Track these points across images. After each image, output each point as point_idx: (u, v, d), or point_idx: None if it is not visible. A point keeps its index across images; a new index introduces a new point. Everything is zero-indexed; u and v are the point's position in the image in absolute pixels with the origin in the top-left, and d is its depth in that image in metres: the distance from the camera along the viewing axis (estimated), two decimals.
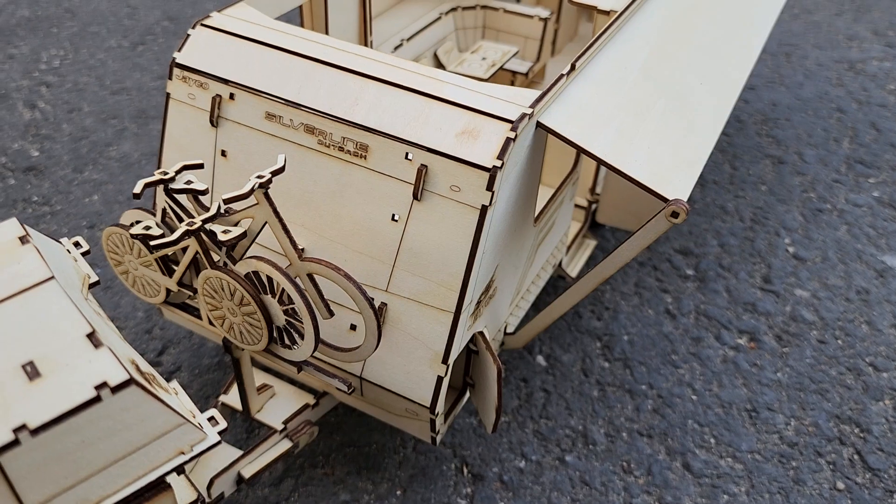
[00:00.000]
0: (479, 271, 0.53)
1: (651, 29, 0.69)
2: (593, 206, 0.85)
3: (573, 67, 0.57)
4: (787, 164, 1.05)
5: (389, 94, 0.54)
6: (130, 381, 0.36)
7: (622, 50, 0.64)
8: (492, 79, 0.96)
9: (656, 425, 0.71)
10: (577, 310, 0.82)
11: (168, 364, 0.74)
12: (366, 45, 0.81)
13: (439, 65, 0.95)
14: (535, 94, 0.53)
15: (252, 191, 0.48)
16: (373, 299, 0.52)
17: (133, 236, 0.51)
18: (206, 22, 0.60)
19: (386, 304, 0.55)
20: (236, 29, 0.59)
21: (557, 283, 0.85)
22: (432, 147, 0.51)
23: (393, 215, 0.54)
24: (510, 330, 0.68)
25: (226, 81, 0.57)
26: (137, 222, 0.55)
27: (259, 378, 0.62)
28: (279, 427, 0.60)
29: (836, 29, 1.39)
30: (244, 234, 0.50)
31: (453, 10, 0.97)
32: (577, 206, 0.82)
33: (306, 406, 0.61)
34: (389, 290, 0.55)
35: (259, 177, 0.48)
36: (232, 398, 0.62)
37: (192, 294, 0.55)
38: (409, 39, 0.90)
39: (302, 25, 0.79)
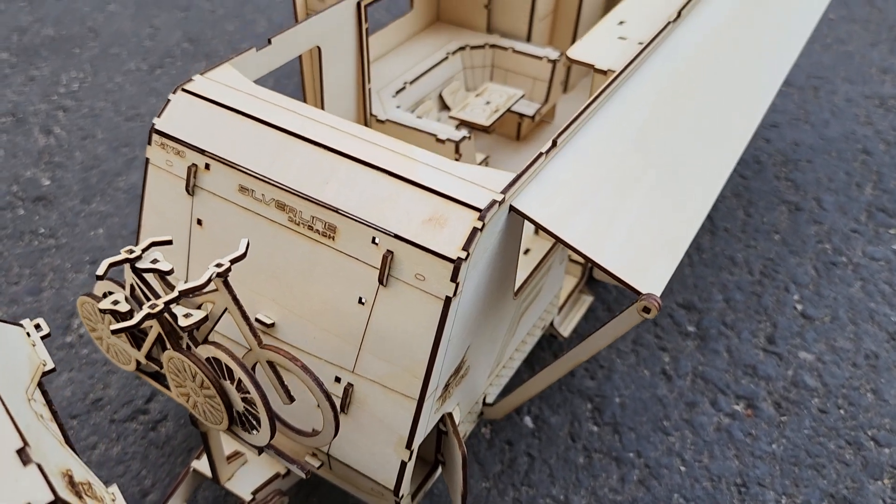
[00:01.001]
0: (444, 358, 0.52)
1: (651, 87, 0.67)
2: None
3: (554, 144, 0.55)
4: (804, 212, 1.02)
5: (360, 174, 0.53)
6: (55, 503, 0.35)
7: (614, 116, 0.62)
8: (496, 123, 0.95)
9: (640, 498, 0.69)
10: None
11: (154, 412, 0.75)
12: (363, 91, 0.80)
13: (444, 106, 0.94)
14: (509, 177, 0.52)
15: (209, 280, 0.47)
16: (329, 394, 0.51)
17: (101, 311, 0.51)
18: (187, 87, 0.60)
19: (353, 385, 0.54)
20: (215, 95, 0.59)
21: (552, 340, 0.83)
22: (398, 233, 0.50)
23: (360, 298, 0.53)
24: (490, 400, 0.66)
25: (201, 151, 0.57)
26: (109, 293, 0.55)
27: (232, 445, 0.62)
28: (248, 498, 0.59)
29: (869, 61, 1.35)
30: (206, 319, 0.49)
31: (461, 48, 0.96)
32: (573, 261, 0.81)
33: (277, 475, 0.61)
34: (356, 372, 0.54)
35: (217, 265, 0.48)
36: (203, 464, 0.62)
37: (160, 368, 0.55)
38: (412, 82, 0.89)
39: (301, 75, 0.78)
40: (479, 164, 0.84)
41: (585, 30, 1.03)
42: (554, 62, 0.93)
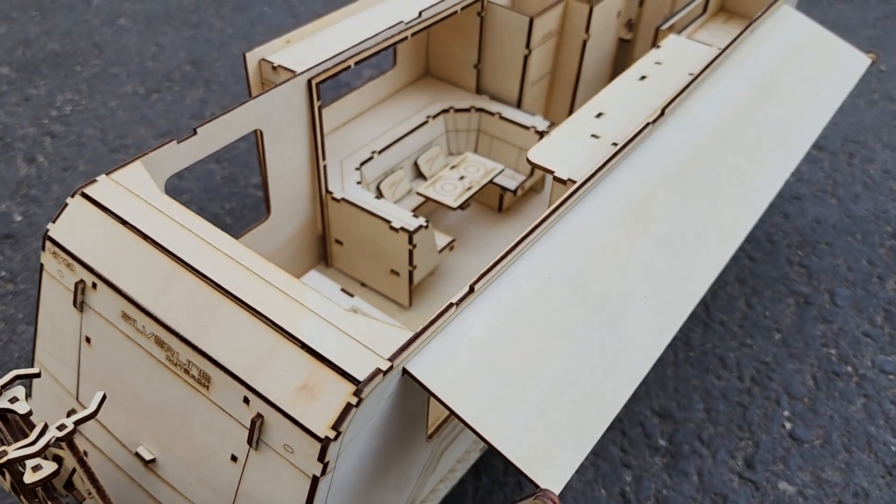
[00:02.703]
0: None
1: (621, 199, 0.60)
2: None
3: (471, 290, 0.49)
4: (813, 307, 0.93)
5: (240, 320, 0.47)
6: None
7: (559, 246, 0.55)
8: (475, 198, 0.88)
9: None
10: (518, 480, 0.74)
11: None
12: (318, 168, 0.74)
13: (419, 174, 0.88)
14: (406, 336, 0.46)
15: (46, 446, 0.43)
16: None
17: None
18: (87, 190, 0.55)
19: None
20: (113, 204, 0.54)
21: None
22: (268, 398, 0.45)
23: (233, 455, 0.48)
24: None
25: (89, 268, 0.52)
26: None
27: None
28: None
29: None
30: (57, 472, 0.45)
31: (445, 111, 0.89)
32: None
33: None
34: None
35: (59, 427, 0.43)
36: None
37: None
38: (381, 151, 0.83)
39: (259, 149, 0.73)
40: (442, 250, 0.78)
41: (586, 96, 0.95)
42: (541, 133, 0.86)
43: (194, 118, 1.17)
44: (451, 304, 0.48)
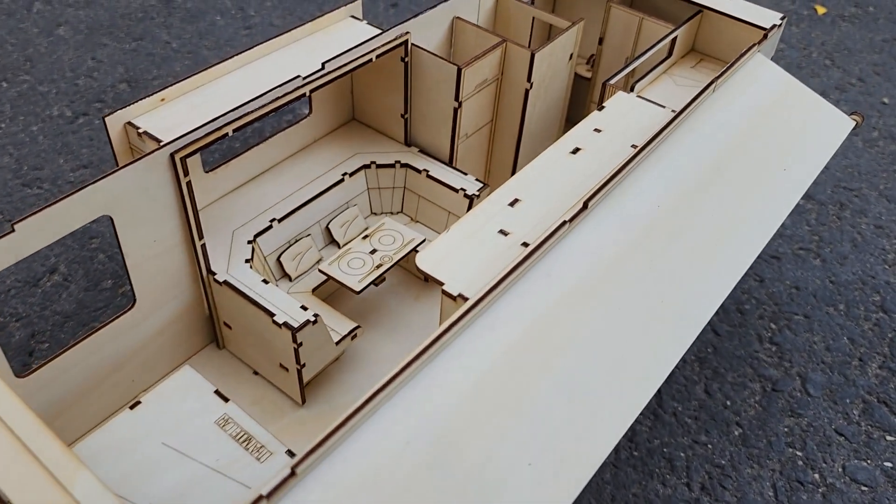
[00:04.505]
0: None
1: (523, 318, 0.50)
2: None
3: (293, 473, 0.39)
4: (782, 395, 0.82)
5: None
6: None
7: (429, 394, 0.45)
8: (399, 264, 0.78)
9: None
10: None
11: None
12: (195, 248, 0.64)
13: (332, 240, 0.77)
14: None
15: None
16: None
17: None
18: None
19: None
20: None
21: None
22: None
23: None
24: None
25: None
26: None
27: None
28: None
29: None
30: None
31: (366, 166, 0.79)
32: None
33: None
34: None
35: None
36: None
37: None
38: (283, 219, 0.73)
39: None
40: (342, 340, 0.68)
41: (531, 148, 0.84)
42: (471, 198, 0.75)
43: None
44: (291, 474, 0.38)
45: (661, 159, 0.63)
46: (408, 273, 0.80)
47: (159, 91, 0.64)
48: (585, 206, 0.56)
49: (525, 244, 0.55)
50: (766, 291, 0.93)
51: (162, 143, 0.59)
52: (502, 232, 0.56)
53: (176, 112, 0.63)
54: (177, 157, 0.58)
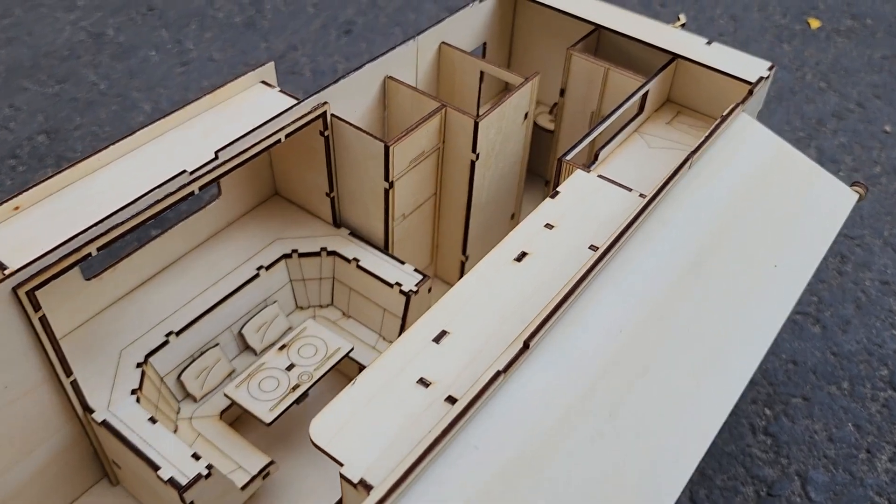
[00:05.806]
0: None
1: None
2: None
3: None
4: (779, 501, 0.71)
5: None
6: None
7: None
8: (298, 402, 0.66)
9: None
10: None
11: None
12: (62, 384, 0.53)
13: (245, 345, 0.66)
14: None
15: None
16: None
17: None
18: None
19: None
20: None
21: None
22: None
23: None
24: None
25: None
26: None
27: None
28: None
29: None
30: None
31: (287, 255, 0.67)
32: None
33: None
34: None
35: None
36: None
37: None
38: (181, 332, 0.61)
39: None
40: (248, 484, 0.56)
41: (482, 223, 0.73)
42: (408, 294, 0.64)
43: None
44: None
45: (626, 265, 0.52)
46: (340, 375, 0.69)
47: (12, 198, 0.52)
48: (527, 345, 0.45)
49: (451, 399, 0.44)
50: (760, 369, 0.81)
51: (5, 274, 0.47)
52: (422, 382, 0.45)
53: (30, 224, 0.51)
54: (20, 293, 0.47)
